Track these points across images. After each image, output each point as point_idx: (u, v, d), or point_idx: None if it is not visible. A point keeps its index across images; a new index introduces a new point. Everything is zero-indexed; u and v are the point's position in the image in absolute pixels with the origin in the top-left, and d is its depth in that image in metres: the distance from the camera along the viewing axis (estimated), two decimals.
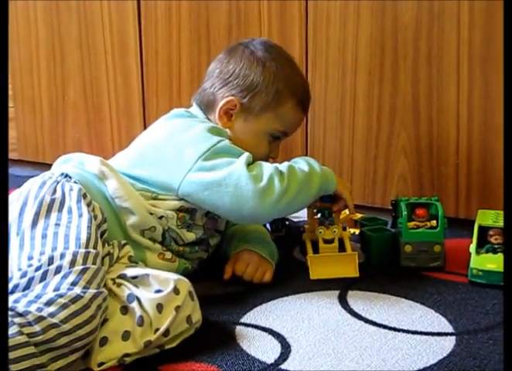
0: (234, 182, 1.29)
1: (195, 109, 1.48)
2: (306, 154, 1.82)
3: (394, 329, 1.22)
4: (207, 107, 1.46)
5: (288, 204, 1.32)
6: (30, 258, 1.13)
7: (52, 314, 1.02)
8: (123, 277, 1.18)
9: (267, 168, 1.32)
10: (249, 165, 1.32)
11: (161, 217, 1.34)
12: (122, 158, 1.42)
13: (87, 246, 1.16)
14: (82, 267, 1.11)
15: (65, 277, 1.09)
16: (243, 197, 1.29)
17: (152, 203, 1.34)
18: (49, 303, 1.03)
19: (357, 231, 1.60)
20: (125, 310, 1.13)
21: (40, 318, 1.01)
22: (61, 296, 1.05)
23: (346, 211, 1.65)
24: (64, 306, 1.04)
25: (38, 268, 1.10)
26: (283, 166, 1.34)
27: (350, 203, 1.44)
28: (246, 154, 1.34)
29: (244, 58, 1.44)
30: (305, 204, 1.39)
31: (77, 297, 1.06)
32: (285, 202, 1.31)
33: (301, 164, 1.37)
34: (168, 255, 1.36)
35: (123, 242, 1.28)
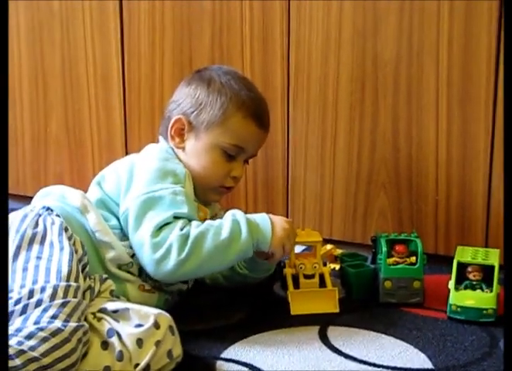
0: (139, 244, 1.31)
1: (162, 141, 1.49)
2: (287, 190, 1.83)
3: (374, 365, 1.23)
4: (166, 133, 1.48)
5: (193, 270, 1.30)
6: (10, 291, 1.13)
7: (32, 348, 1.02)
8: (103, 311, 1.18)
9: (174, 234, 1.29)
10: (168, 224, 1.30)
11: (132, 256, 1.33)
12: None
13: (68, 280, 1.16)
14: (62, 300, 1.11)
15: (45, 310, 1.09)
16: (143, 261, 1.31)
17: (125, 244, 1.34)
18: (29, 336, 1.03)
19: (337, 266, 1.61)
20: (105, 345, 1.13)
21: (20, 352, 1.01)
22: (41, 329, 1.05)
23: (327, 246, 1.67)
24: (44, 339, 1.04)
25: (18, 301, 1.11)
26: (193, 234, 1.29)
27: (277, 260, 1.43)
28: (165, 216, 1.30)
29: (192, 81, 1.48)
30: (223, 267, 1.38)
31: (58, 331, 1.06)
32: (186, 270, 1.29)
33: (224, 227, 1.32)
34: (148, 286, 1.35)
35: (104, 276, 1.29)
